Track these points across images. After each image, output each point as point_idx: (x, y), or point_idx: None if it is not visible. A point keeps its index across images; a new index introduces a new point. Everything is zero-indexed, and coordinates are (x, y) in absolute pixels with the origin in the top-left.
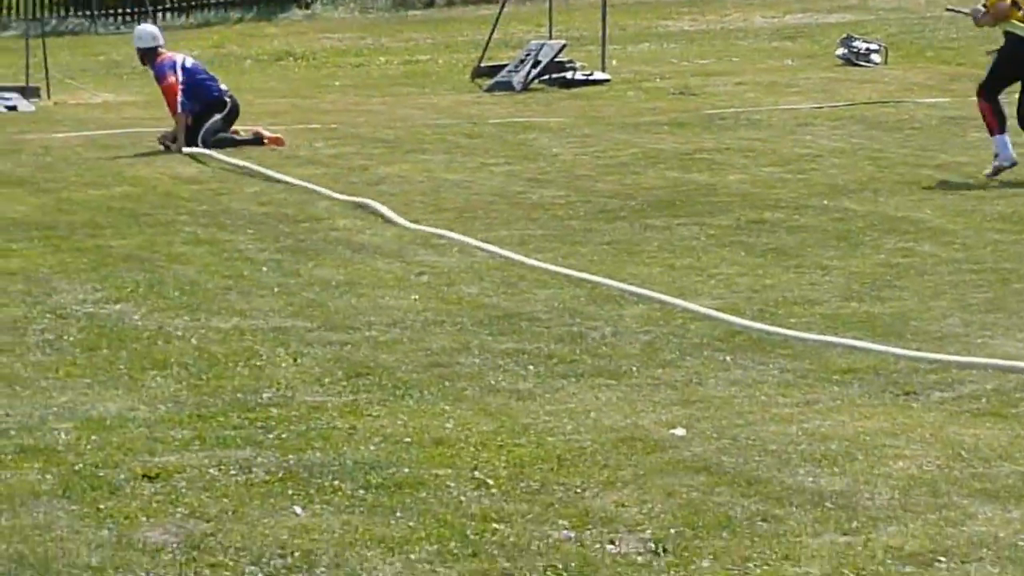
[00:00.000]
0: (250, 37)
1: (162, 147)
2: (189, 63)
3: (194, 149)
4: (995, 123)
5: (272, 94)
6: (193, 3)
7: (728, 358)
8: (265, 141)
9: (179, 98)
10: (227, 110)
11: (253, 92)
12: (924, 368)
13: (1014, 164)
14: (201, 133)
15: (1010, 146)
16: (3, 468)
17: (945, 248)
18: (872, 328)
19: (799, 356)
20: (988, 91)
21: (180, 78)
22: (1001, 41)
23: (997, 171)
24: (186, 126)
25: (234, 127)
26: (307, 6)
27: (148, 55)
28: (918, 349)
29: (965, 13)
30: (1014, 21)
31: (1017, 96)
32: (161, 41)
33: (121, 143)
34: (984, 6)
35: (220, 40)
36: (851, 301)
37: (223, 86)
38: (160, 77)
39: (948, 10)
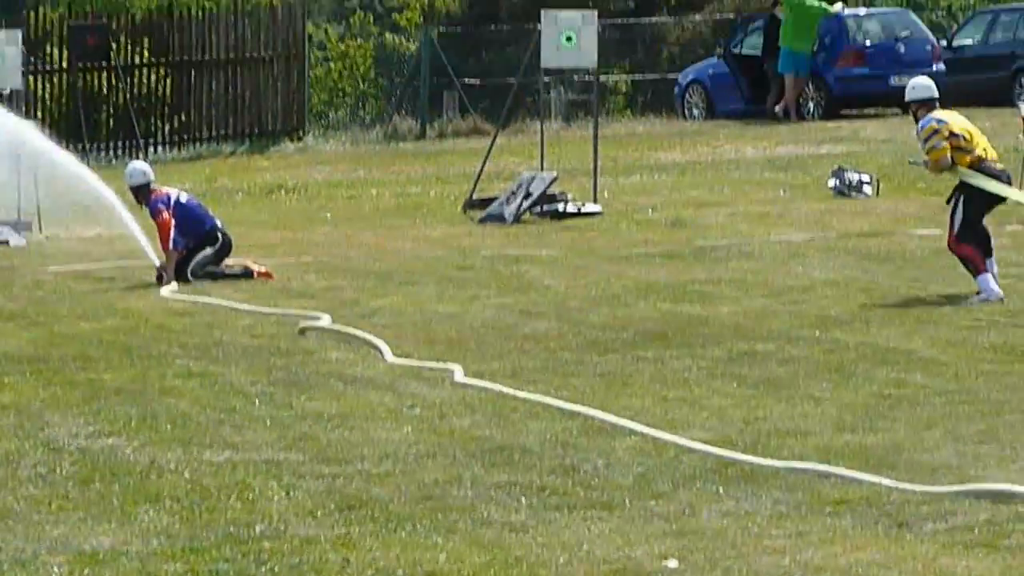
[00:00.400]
0: (242, 170)
1: (156, 278)
2: (184, 199)
3: (173, 292)
4: (980, 262)
5: (264, 227)
6: (185, 137)
7: (721, 489)
8: (255, 275)
9: (172, 234)
10: (219, 245)
11: (245, 225)
12: (916, 499)
13: (1001, 300)
14: (191, 266)
15: (992, 282)
16: None
17: (937, 379)
18: (865, 459)
19: (792, 487)
20: (963, 237)
21: (174, 214)
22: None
23: (981, 303)
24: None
25: (224, 261)
26: (299, 139)
27: (141, 191)
28: (911, 480)
29: (924, 163)
30: (962, 169)
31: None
32: (152, 176)
33: (113, 276)
34: (925, 160)
35: (212, 173)
36: (843, 432)
37: (217, 221)
38: (154, 213)
39: (911, 163)
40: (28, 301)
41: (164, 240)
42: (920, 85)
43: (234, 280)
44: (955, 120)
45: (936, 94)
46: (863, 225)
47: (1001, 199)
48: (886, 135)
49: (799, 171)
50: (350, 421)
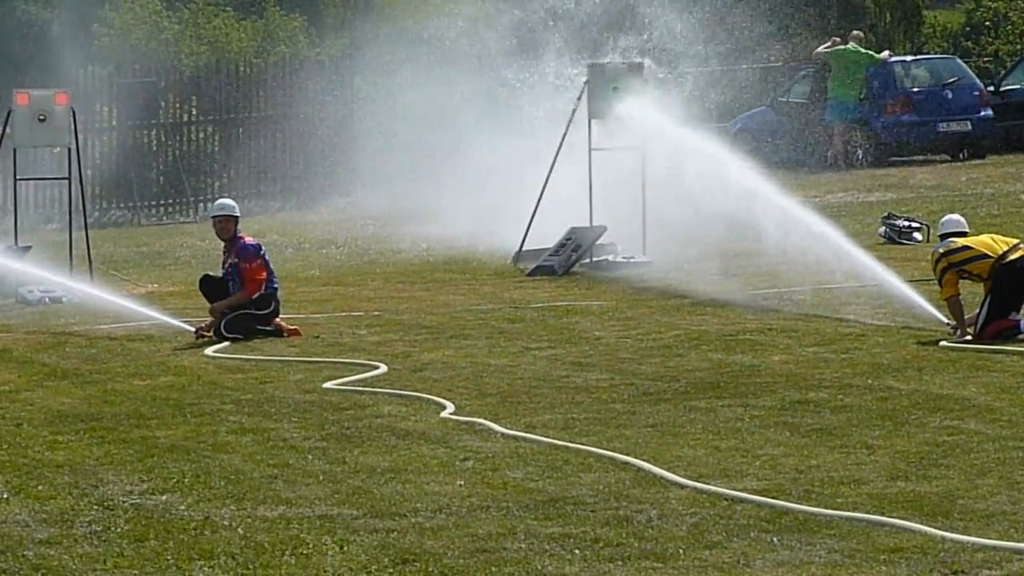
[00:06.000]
0: (291, 225)
1: (197, 337)
2: (267, 256)
3: (216, 353)
4: (1011, 323)
5: (314, 282)
6: (234, 193)
7: (775, 539)
8: (285, 334)
9: (264, 282)
10: (269, 310)
11: (296, 280)
12: (971, 546)
13: None
14: (226, 320)
15: None
16: None
17: (991, 425)
18: (919, 507)
19: (846, 536)
20: (985, 327)
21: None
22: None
23: None
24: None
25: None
26: (348, 193)
27: (234, 224)
28: (965, 528)
29: (965, 335)
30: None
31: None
32: (238, 214)
33: (165, 333)
34: (952, 325)
35: (261, 229)
36: (897, 480)
37: (276, 285)
38: (250, 256)
39: (950, 342)
40: (81, 359)
41: (252, 287)
42: (947, 220)
43: (267, 337)
44: (961, 240)
45: (954, 229)
46: (914, 272)
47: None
48: (935, 181)
49: (849, 218)
50: (403, 475)
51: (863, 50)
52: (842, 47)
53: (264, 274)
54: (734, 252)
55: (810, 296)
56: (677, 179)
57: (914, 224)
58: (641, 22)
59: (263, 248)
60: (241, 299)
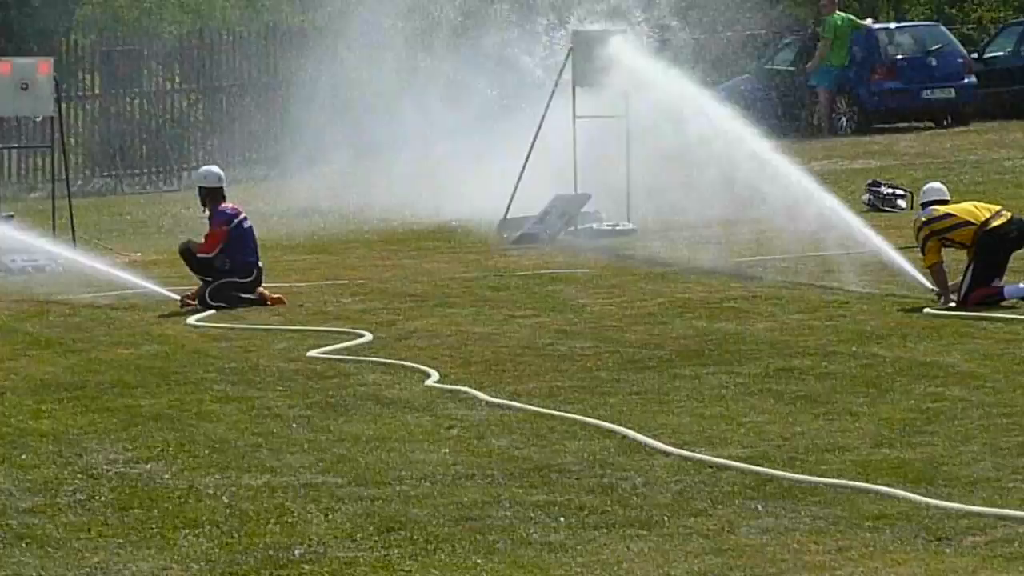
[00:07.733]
0: (276, 193)
1: (182, 305)
2: (246, 224)
3: (199, 321)
4: (993, 290)
5: (299, 250)
6: (218, 161)
7: (759, 506)
8: (268, 302)
9: (215, 249)
10: (250, 279)
11: (280, 248)
12: (955, 513)
13: None
14: (210, 289)
15: (1013, 287)
16: None
17: (975, 392)
18: (903, 474)
19: (830, 503)
20: (969, 293)
21: (230, 235)
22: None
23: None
24: (205, 280)
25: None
26: (331, 162)
27: (211, 195)
28: (949, 495)
29: (949, 302)
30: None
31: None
32: (224, 183)
33: (149, 302)
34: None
35: (246, 197)
36: (882, 447)
37: (258, 258)
38: (214, 221)
39: (934, 309)
40: (64, 328)
41: (206, 248)
42: (928, 189)
43: (250, 305)
44: (944, 207)
45: (936, 197)
46: (898, 239)
47: (1007, 252)
48: (919, 148)
49: (833, 186)
50: (388, 443)
51: (844, 15)
52: (839, 16)
53: (218, 242)
54: (720, 219)
55: (795, 263)
56: (662, 146)
57: (898, 191)
58: None
59: (239, 217)
60: (198, 249)
